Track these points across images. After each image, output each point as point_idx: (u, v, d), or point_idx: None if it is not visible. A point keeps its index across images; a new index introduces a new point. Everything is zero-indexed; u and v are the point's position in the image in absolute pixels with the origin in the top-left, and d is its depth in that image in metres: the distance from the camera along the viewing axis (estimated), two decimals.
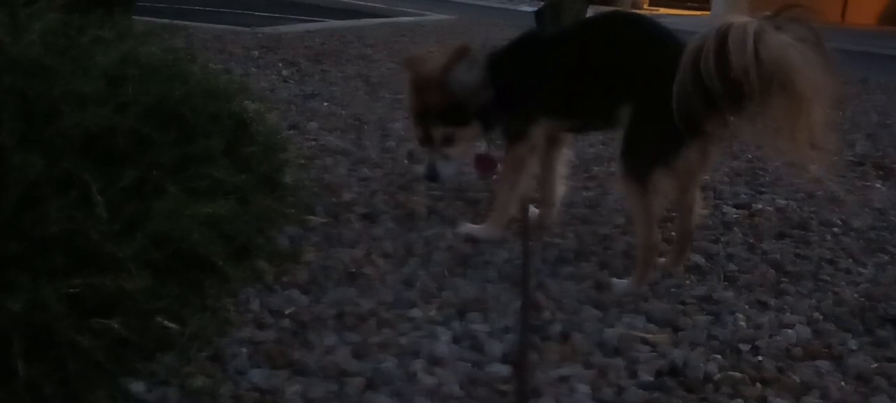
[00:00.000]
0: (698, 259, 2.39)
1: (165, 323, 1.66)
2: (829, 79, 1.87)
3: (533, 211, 2.64)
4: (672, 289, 2.18)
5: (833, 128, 1.92)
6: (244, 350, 1.69)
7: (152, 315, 1.66)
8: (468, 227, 2.48)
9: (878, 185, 3.46)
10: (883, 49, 11.26)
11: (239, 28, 7.19)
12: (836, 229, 2.80)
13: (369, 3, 13.32)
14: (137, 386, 1.51)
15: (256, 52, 5.80)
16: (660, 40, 2.19)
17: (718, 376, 1.74)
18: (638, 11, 2.84)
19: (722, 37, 1.86)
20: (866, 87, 6.49)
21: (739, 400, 1.67)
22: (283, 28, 7.83)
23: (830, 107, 1.90)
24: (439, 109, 2.43)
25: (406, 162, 3.22)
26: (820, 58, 1.86)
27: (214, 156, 2.18)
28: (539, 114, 2.37)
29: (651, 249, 2.17)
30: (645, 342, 1.88)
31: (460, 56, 2.40)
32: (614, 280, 2.19)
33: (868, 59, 8.93)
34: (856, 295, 2.23)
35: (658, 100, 1.98)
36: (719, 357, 1.83)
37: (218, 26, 7.16)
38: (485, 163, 2.66)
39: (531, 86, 2.36)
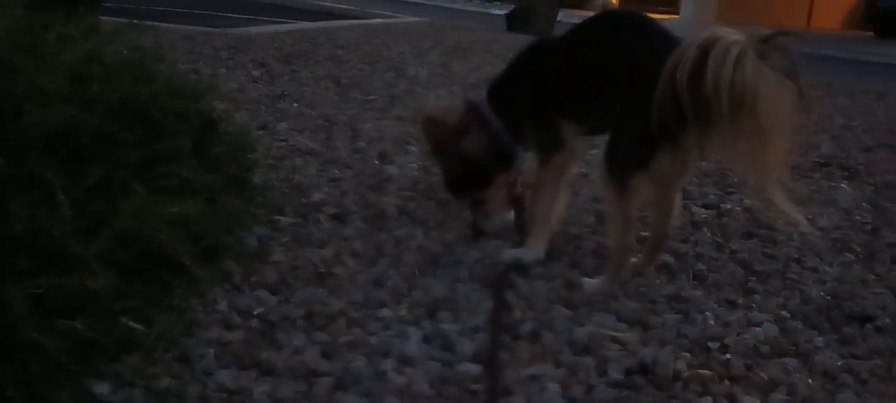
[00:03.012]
0: (668, 258, 2.40)
1: (131, 323, 1.63)
2: (795, 118, 1.85)
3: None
4: (642, 288, 2.19)
5: (790, 164, 1.92)
6: (211, 350, 1.67)
7: (118, 315, 1.64)
8: (512, 253, 2.33)
9: (843, 186, 3.51)
10: (847, 53, 11.46)
11: (208, 29, 7.14)
12: (802, 229, 2.82)
13: (341, 5, 13.31)
14: (102, 388, 1.48)
15: (225, 53, 5.76)
16: (647, 40, 2.14)
17: (687, 374, 1.75)
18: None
19: (704, 50, 1.83)
20: (831, 91, 6.57)
21: (708, 398, 1.67)
22: (252, 29, 7.80)
23: (791, 145, 1.90)
24: (461, 179, 2.46)
25: (376, 162, 3.21)
26: (793, 93, 1.84)
27: (182, 155, 2.16)
28: (562, 117, 2.30)
29: (625, 251, 2.16)
30: (615, 340, 1.88)
31: (469, 123, 2.39)
32: (585, 279, 2.19)
33: (833, 63, 9.08)
34: (822, 294, 2.25)
35: (640, 102, 1.96)
36: (688, 355, 1.84)
37: (187, 27, 7.10)
38: (513, 193, 2.56)
39: (549, 89, 2.30)
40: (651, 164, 2.05)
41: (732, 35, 1.85)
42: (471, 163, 2.41)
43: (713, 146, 2.01)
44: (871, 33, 16.73)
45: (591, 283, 2.17)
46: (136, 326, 1.64)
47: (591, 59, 2.22)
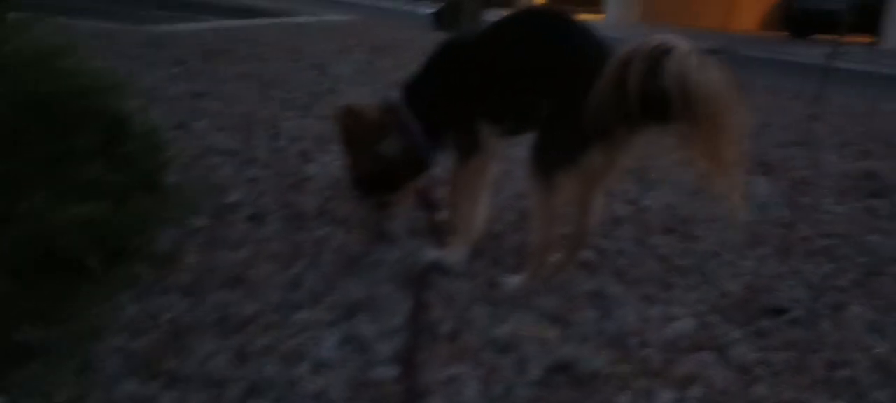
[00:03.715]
0: (589, 254, 2.41)
1: (29, 330, 1.55)
2: (742, 121, 1.88)
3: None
4: (563, 285, 2.18)
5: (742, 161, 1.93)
6: (117, 357, 1.60)
7: (15, 322, 1.55)
8: (434, 253, 2.30)
9: (760, 181, 3.57)
10: (764, 53, 11.77)
11: (128, 26, 6.95)
12: (720, 224, 2.87)
13: (266, 4, 13.11)
14: None
15: (144, 50, 5.61)
16: (577, 38, 2.11)
17: (607, 370, 1.75)
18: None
19: (660, 53, 1.79)
20: (749, 90, 6.72)
21: (627, 393, 1.67)
22: (174, 27, 7.61)
23: (740, 145, 1.91)
24: (371, 179, 2.35)
25: (297, 161, 3.15)
26: (739, 100, 1.84)
27: (88, 153, 2.07)
28: (480, 119, 2.25)
29: (546, 248, 2.15)
30: (535, 338, 1.87)
31: (388, 124, 2.28)
32: (505, 277, 2.18)
33: (751, 63, 9.30)
34: (739, 288, 2.28)
35: (571, 101, 1.94)
36: (608, 351, 1.84)
37: (105, 24, 6.90)
38: (422, 195, 2.53)
39: (468, 91, 2.24)
40: (581, 162, 2.04)
41: (685, 42, 1.82)
42: (385, 165, 2.33)
43: (674, 143, 1.99)
44: (786, 33, 17.22)
45: (512, 281, 2.15)
46: (35, 333, 1.56)
47: (514, 57, 2.17)
